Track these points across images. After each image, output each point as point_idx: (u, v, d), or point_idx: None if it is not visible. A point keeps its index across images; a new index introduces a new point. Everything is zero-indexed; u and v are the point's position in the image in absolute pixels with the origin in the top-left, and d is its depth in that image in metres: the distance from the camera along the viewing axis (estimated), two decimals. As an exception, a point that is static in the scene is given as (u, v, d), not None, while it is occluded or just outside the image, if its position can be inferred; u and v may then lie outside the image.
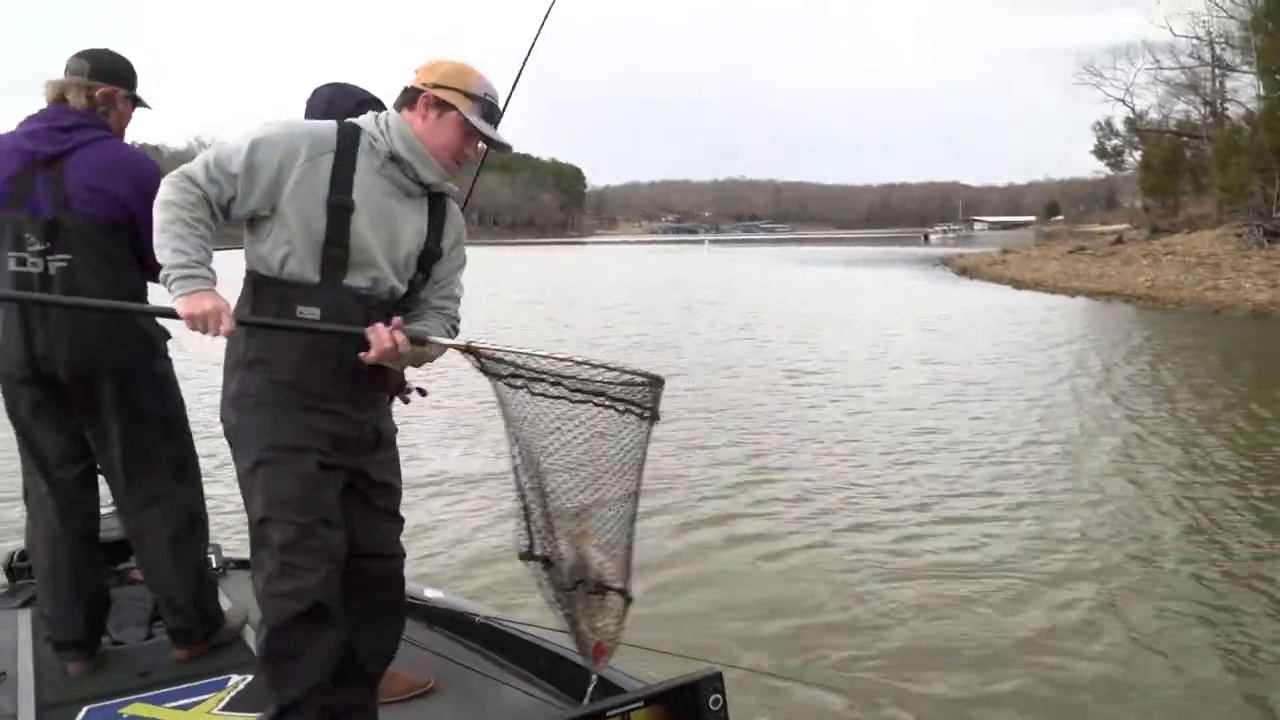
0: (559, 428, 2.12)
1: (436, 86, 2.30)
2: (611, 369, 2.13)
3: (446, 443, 9.38)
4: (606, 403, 2.12)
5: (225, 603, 3.26)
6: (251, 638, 3.17)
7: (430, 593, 3.44)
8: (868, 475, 8.58)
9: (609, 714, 1.61)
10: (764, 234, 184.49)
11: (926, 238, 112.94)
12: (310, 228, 2.21)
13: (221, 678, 2.87)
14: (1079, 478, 8.29)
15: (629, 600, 2.17)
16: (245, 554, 3.76)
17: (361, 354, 2.17)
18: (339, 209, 2.22)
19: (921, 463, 8.96)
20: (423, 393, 3.11)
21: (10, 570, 3.83)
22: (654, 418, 2.18)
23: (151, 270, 2.76)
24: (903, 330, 20.27)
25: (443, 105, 2.30)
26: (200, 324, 2.09)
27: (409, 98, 2.33)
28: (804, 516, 7.42)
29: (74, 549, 2.95)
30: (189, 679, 2.84)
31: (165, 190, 2.15)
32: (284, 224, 2.21)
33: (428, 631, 3.26)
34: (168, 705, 2.73)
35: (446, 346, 2.26)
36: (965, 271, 42.45)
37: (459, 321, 2.48)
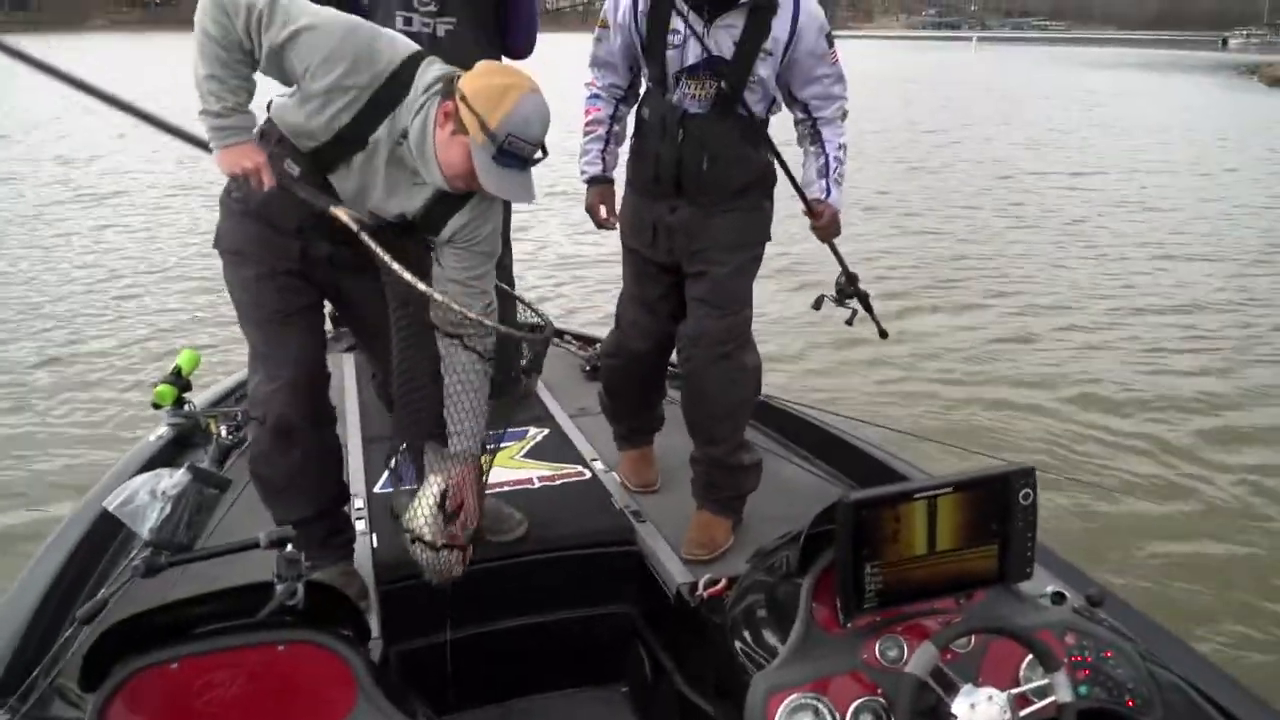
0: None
1: (464, 99, 1.88)
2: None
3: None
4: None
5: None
6: (547, 396, 3.54)
7: None
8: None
9: (916, 495, 1.55)
10: (1036, 32, 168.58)
11: (1225, 42, 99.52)
12: (311, 128, 1.98)
13: (522, 429, 3.19)
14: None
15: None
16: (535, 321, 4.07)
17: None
18: (342, 143, 1.98)
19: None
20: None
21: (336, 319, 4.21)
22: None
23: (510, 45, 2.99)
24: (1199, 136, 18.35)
25: (460, 124, 1.89)
26: (242, 179, 1.99)
27: (448, 90, 1.93)
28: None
29: None
30: (493, 428, 3.05)
31: (203, 15, 1.88)
32: (300, 96, 1.97)
33: None
34: None
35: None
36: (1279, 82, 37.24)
37: (483, 306, 2.15)
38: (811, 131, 2.58)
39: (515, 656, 2.56)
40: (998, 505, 1.65)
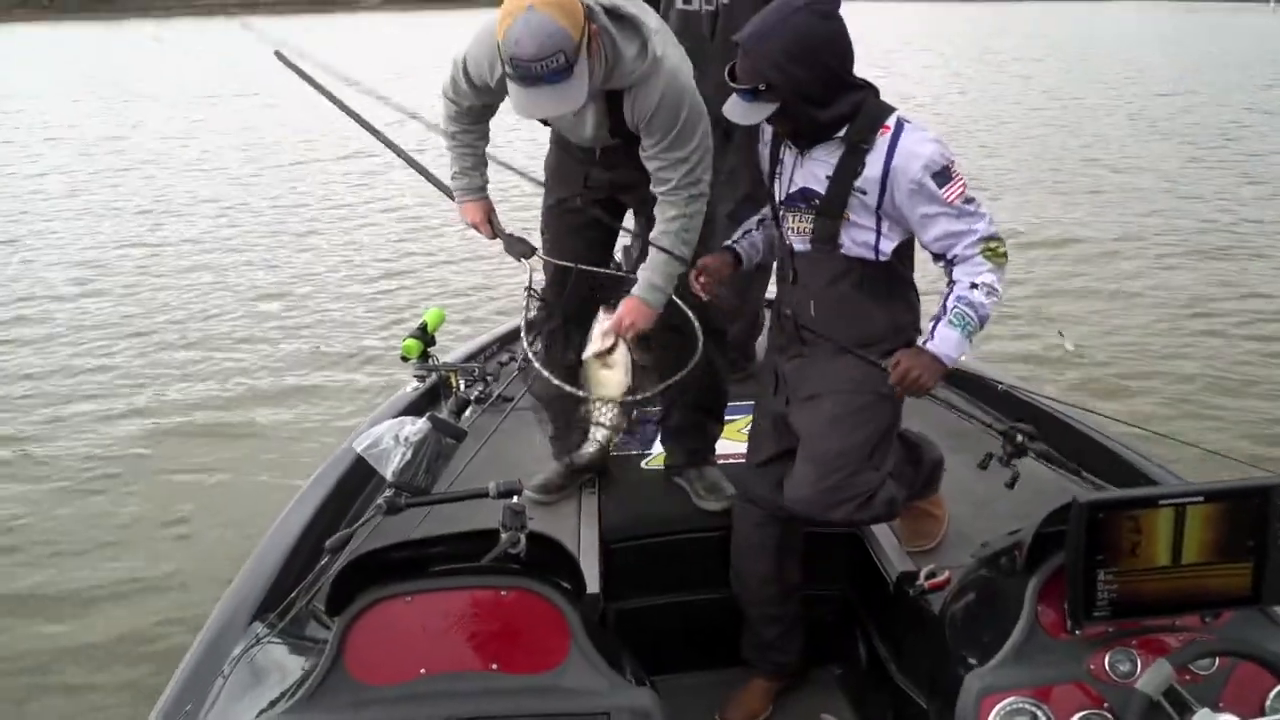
0: None
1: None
2: None
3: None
4: None
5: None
6: None
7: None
8: None
9: (1161, 502, 1.44)
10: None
11: None
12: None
13: (750, 404, 3.08)
14: None
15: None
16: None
17: None
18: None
19: None
20: None
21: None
22: None
23: None
24: None
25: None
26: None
27: None
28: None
29: None
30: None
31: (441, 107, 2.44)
32: None
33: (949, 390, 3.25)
34: None
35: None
36: None
37: (686, 208, 2.37)
38: (949, 274, 2.20)
39: (729, 627, 2.59)
40: (1255, 520, 1.51)
